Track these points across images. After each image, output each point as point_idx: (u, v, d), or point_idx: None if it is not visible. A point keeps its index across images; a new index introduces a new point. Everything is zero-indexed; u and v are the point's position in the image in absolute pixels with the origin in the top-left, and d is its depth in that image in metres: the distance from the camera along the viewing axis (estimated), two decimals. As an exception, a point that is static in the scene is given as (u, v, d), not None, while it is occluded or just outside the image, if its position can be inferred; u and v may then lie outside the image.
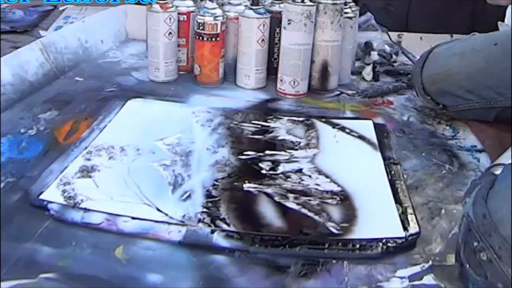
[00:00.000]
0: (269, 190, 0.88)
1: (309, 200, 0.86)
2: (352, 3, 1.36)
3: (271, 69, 1.34)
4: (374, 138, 1.08)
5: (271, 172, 0.94)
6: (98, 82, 1.31)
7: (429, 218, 0.84)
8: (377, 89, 1.33)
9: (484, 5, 1.70)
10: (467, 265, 0.62)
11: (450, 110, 1.17)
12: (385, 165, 0.98)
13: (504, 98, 1.08)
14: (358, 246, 0.76)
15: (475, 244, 0.60)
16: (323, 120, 1.15)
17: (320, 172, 0.95)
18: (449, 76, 1.14)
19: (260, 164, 0.96)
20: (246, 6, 1.29)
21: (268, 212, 0.82)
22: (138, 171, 0.91)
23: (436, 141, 1.10)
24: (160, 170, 0.92)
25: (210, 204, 0.84)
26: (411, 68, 1.35)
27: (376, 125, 1.14)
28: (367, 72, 1.42)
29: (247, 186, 0.89)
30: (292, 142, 1.05)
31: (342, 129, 1.11)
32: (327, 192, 0.89)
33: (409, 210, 0.84)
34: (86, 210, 0.80)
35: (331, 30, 1.26)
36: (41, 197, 0.83)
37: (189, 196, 0.86)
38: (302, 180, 0.92)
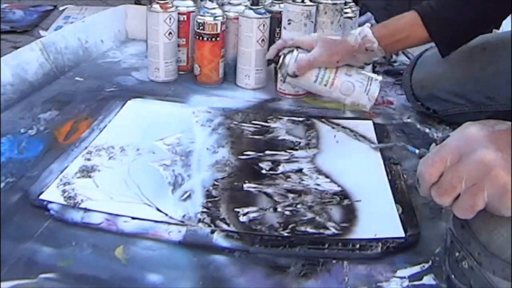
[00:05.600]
0: (269, 190, 0.88)
1: (309, 200, 0.86)
2: (352, 3, 1.36)
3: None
4: (374, 138, 1.08)
5: (271, 172, 0.94)
6: (98, 82, 1.31)
7: (429, 218, 0.84)
8: None
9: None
10: (452, 276, 0.63)
11: (440, 115, 1.16)
12: (385, 165, 0.98)
13: (495, 103, 1.07)
14: (358, 246, 0.76)
15: (457, 254, 0.61)
16: (323, 120, 1.15)
17: (320, 172, 0.95)
18: (437, 81, 1.13)
19: (260, 164, 0.96)
20: (246, 6, 1.29)
21: (267, 211, 0.83)
22: (138, 171, 0.91)
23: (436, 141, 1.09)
24: (160, 170, 0.92)
25: (210, 204, 0.84)
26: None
27: (376, 125, 1.14)
28: (367, 72, 1.42)
29: (247, 186, 0.89)
30: (292, 142, 1.05)
31: (342, 129, 1.11)
32: (327, 192, 0.89)
33: (409, 210, 0.84)
34: (86, 210, 0.80)
35: (331, 30, 1.26)
36: (41, 197, 0.83)
37: (189, 196, 0.86)
38: (302, 180, 0.92)
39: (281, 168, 0.95)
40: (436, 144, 0.59)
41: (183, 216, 0.81)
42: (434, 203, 0.58)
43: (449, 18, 0.97)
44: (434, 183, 0.56)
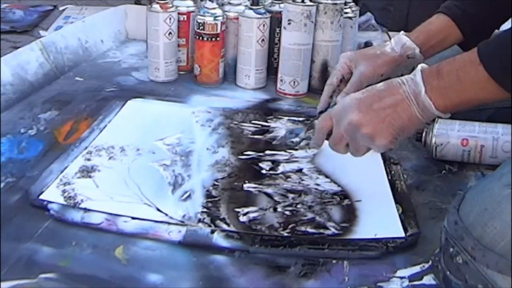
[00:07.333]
0: (269, 190, 0.88)
1: (309, 200, 0.86)
2: (352, 3, 1.36)
3: (271, 69, 1.34)
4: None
5: (271, 172, 0.94)
6: (98, 82, 1.31)
7: (429, 218, 0.84)
8: None
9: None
10: (448, 272, 0.64)
11: None
12: (385, 165, 0.98)
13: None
14: (358, 246, 0.76)
15: (451, 250, 0.63)
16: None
17: (320, 172, 0.95)
18: None
19: (260, 164, 0.96)
20: (246, 6, 1.30)
21: (267, 211, 0.83)
22: (138, 171, 0.91)
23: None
24: (160, 170, 0.92)
25: (210, 204, 0.84)
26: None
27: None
28: (367, 72, 1.42)
29: (247, 186, 0.89)
30: (292, 142, 1.05)
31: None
32: (327, 192, 0.89)
33: (409, 210, 0.84)
34: (86, 210, 0.80)
35: (331, 30, 1.26)
36: (41, 197, 0.83)
37: (189, 196, 0.86)
38: (302, 180, 0.92)
39: (281, 168, 0.95)
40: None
41: (183, 216, 0.81)
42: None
43: (477, 14, 0.97)
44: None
